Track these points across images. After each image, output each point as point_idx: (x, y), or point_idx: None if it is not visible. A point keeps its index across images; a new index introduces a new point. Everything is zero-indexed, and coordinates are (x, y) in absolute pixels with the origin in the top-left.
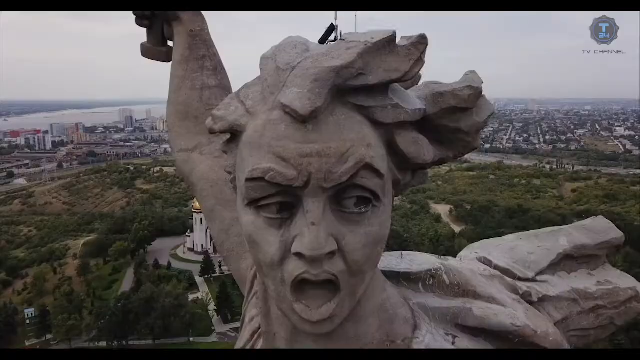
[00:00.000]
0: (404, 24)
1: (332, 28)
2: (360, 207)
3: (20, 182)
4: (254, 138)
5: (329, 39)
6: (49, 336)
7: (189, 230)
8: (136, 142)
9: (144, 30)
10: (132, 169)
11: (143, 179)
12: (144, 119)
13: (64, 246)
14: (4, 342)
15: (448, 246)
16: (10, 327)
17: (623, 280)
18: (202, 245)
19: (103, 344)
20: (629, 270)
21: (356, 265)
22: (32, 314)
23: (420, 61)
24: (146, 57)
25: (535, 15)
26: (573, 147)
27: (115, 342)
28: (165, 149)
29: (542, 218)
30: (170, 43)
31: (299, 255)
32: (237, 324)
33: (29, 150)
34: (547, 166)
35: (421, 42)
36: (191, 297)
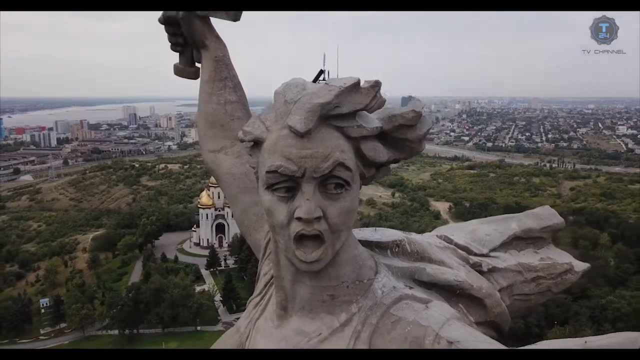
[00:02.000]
0: (406, 22)
1: (321, 72)
2: (337, 190)
3: (27, 178)
4: (270, 146)
5: (320, 79)
6: (62, 325)
7: (195, 226)
8: (140, 139)
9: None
10: (137, 165)
11: (148, 175)
12: (147, 116)
13: (74, 240)
14: (20, 330)
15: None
16: (26, 317)
17: (562, 257)
18: (207, 240)
19: (115, 332)
20: (620, 265)
21: (335, 227)
22: (46, 304)
23: (375, 97)
24: (178, 75)
25: (540, 13)
26: (575, 146)
27: (127, 331)
28: (169, 146)
29: None
30: (198, 64)
31: (298, 219)
32: (242, 314)
33: (34, 147)
34: (549, 165)
35: (376, 85)
36: (198, 289)
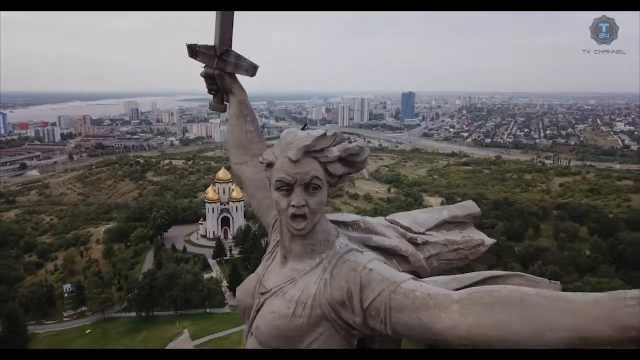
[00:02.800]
0: (410, 18)
1: (306, 124)
2: (313, 190)
3: (33, 173)
4: (278, 167)
5: (306, 128)
6: (83, 308)
7: (201, 219)
8: (142, 134)
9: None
10: (142, 161)
11: (153, 171)
12: (149, 112)
13: (87, 232)
14: (45, 313)
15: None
16: (50, 301)
17: (477, 235)
18: (213, 232)
19: (132, 314)
20: (592, 255)
21: (312, 210)
22: (69, 289)
23: (335, 139)
24: (212, 110)
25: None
26: (572, 142)
27: (143, 313)
28: (172, 141)
29: (524, 210)
30: (226, 103)
31: (293, 206)
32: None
33: (38, 142)
34: (545, 161)
35: (335, 135)
36: (206, 276)
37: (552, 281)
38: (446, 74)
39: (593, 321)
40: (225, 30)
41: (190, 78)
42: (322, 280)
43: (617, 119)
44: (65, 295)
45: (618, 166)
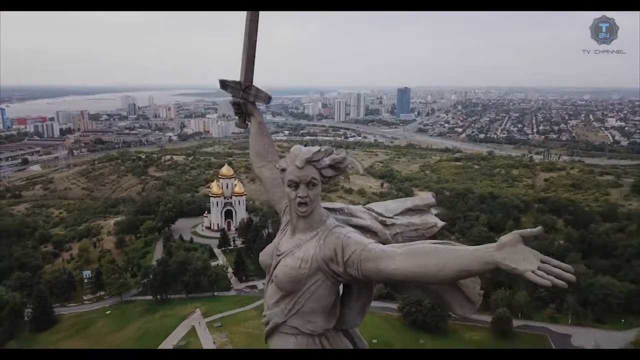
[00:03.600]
0: (410, 13)
1: (307, 143)
2: (312, 187)
3: (35, 168)
4: (288, 171)
5: (307, 145)
6: (101, 292)
7: (206, 212)
8: (141, 129)
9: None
10: (143, 157)
11: (155, 166)
12: (146, 106)
13: (97, 225)
14: (68, 297)
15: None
16: (72, 286)
17: (432, 219)
18: (217, 224)
19: (148, 297)
20: (567, 245)
21: (311, 200)
22: (88, 275)
23: (327, 153)
24: (237, 127)
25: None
26: (564, 138)
27: (158, 296)
28: (170, 137)
29: (507, 203)
30: (247, 122)
31: (299, 197)
32: (251, 283)
33: (38, 138)
34: (536, 156)
35: (327, 150)
36: (213, 264)
37: (461, 244)
38: (443, 69)
39: (470, 260)
40: (248, 70)
41: (185, 74)
42: (318, 245)
43: (609, 115)
44: (85, 281)
45: (606, 162)
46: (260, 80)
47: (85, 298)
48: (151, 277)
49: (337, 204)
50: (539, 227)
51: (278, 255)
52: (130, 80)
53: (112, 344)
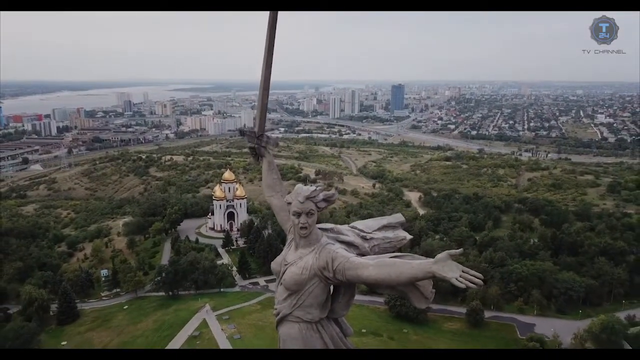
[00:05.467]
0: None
1: (306, 182)
2: (310, 216)
3: (37, 167)
4: (293, 204)
5: (308, 185)
6: (118, 289)
7: (210, 213)
8: (137, 127)
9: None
10: (144, 157)
11: (156, 166)
12: (141, 103)
13: (106, 226)
14: (87, 294)
15: (407, 226)
16: (90, 284)
17: (403, 234)
18: (221, 225)
19: (160, 293)
20: (539, 244)
21: (310, 225)
22: (105, 274)
23: (322, 191)
24: (253, 163)
25: None
26: (554, 134)
27: (170, 292)
28: (167, 134)
29: (489, 204)
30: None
31: (301, 223)
32: (254, 280)
33: (36, 136)
34: (525, 154)
35: (322, 189)
36: (218, 262)
37: (422, 256)
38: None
39: (417, 270)
40: (262, 122)
41: (181, 69)
42: (315, 258)
43: (599, 111)
44: (103, 279)
45: (592, 159)
46: (256, 76)
47: (103, 294)
48: (164, 275)
49: (328, 225)
50: (461, 249)
51: (285, 265)
52: (122, 74)
53: (134, 334)
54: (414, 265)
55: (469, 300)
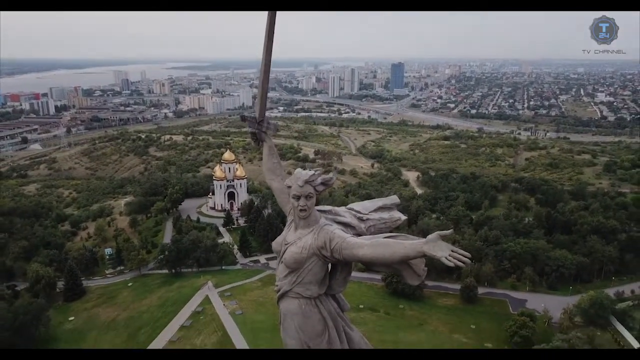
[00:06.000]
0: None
1: (304, 167)
2: (309, 199)
3: (36, 147)
4: (293, 188)
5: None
6: (122, 267)
7: (210, 193)
8: (136, 106)
9: None
10: (143, 137)
11: (155, 146)
12: (138, 81)
13: (108, 206)
14: (91, 272)
15: (405, 205)
16: (94, 262)
17: (398, 214)
18: (221, 204)
19: (164, 271)
20: (533, 222)
21: (309, 207)
22: (110, 252)
23: (320, 175)
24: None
25: None
26: (553, 113)
27: (173, 270)
28: (166, 113)
29: (486, 183)
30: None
31: (300, 206)
32: (254, 258)
33: (34, 115)
34: (524, 133)
35: (320, 173)
36: (219, 241)
37: (415, 236)
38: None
39: (409, 250)
40: (262, 108)
41: (178, 47)
42: (313, 238)
43: (600, 89)
44: (107, 257)
45: (590, 138)
46: (254, 54)
47: (107, 272)
48: (167, 253)
49: (326, 207)
50: (451, 230)
51: (286, 244)
52: (118, 52)
53: (139, 310)
54: (406, 245)
55: (464, 277)
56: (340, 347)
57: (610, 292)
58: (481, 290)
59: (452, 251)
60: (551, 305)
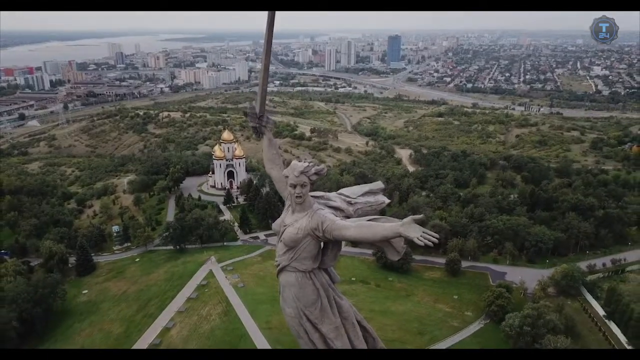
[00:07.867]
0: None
1: (299, 158)
2: (304, 188)
3: (34, 124)
4: (290, 178)
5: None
6: (128, 244)
7: (210, 172)
8: (131, 81)
9: None
10: (141, 114)
11: (154, 123)
12: (133, 54)
13: (112, 184)
14: (100, 248)
15: (397, 183)
16: (102, 238)
17: (383, 198)
18: (221, 183)
19: (169, 247)
20: (517, 199)
21: (304, 195)
22: (117, 230)
23: (314, 167)
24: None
25: None
26: (549, 87)
27: (177, 246)
28: (162, 88)
29: (475, 161)
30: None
31: (296, 193)
32: (255, 234)
33: (30, 91)
34: (518, 107)
35: (314, 164)
36: (221, 219)
37: (395, 219)
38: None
39: (388, 231)
40: (262, 104)
41: (172, 18)
42: (308, 220)
43: (596, 62)
44: (114, 234)
45: (583, 113)
46: (250, 26)
47: (115, 248)
48: (171, 230)
49: (319, 193)
50: (422, 215)
51: (284, 226)
52: (109, 23)
53: (147, 284)
54: (386, 227)
55: (449, 251)
56: (332, 313)
57: (584, 265)
58: (465, 263)
59: (423, 232)
60: (528, 277)
